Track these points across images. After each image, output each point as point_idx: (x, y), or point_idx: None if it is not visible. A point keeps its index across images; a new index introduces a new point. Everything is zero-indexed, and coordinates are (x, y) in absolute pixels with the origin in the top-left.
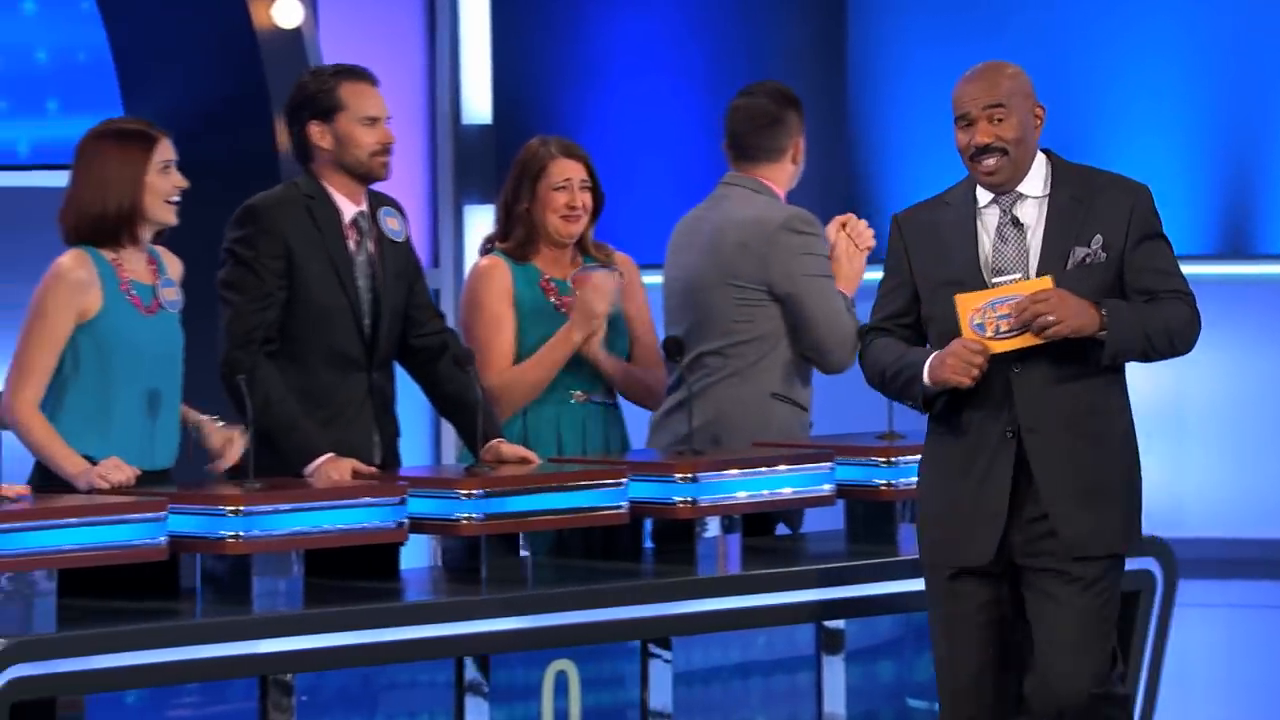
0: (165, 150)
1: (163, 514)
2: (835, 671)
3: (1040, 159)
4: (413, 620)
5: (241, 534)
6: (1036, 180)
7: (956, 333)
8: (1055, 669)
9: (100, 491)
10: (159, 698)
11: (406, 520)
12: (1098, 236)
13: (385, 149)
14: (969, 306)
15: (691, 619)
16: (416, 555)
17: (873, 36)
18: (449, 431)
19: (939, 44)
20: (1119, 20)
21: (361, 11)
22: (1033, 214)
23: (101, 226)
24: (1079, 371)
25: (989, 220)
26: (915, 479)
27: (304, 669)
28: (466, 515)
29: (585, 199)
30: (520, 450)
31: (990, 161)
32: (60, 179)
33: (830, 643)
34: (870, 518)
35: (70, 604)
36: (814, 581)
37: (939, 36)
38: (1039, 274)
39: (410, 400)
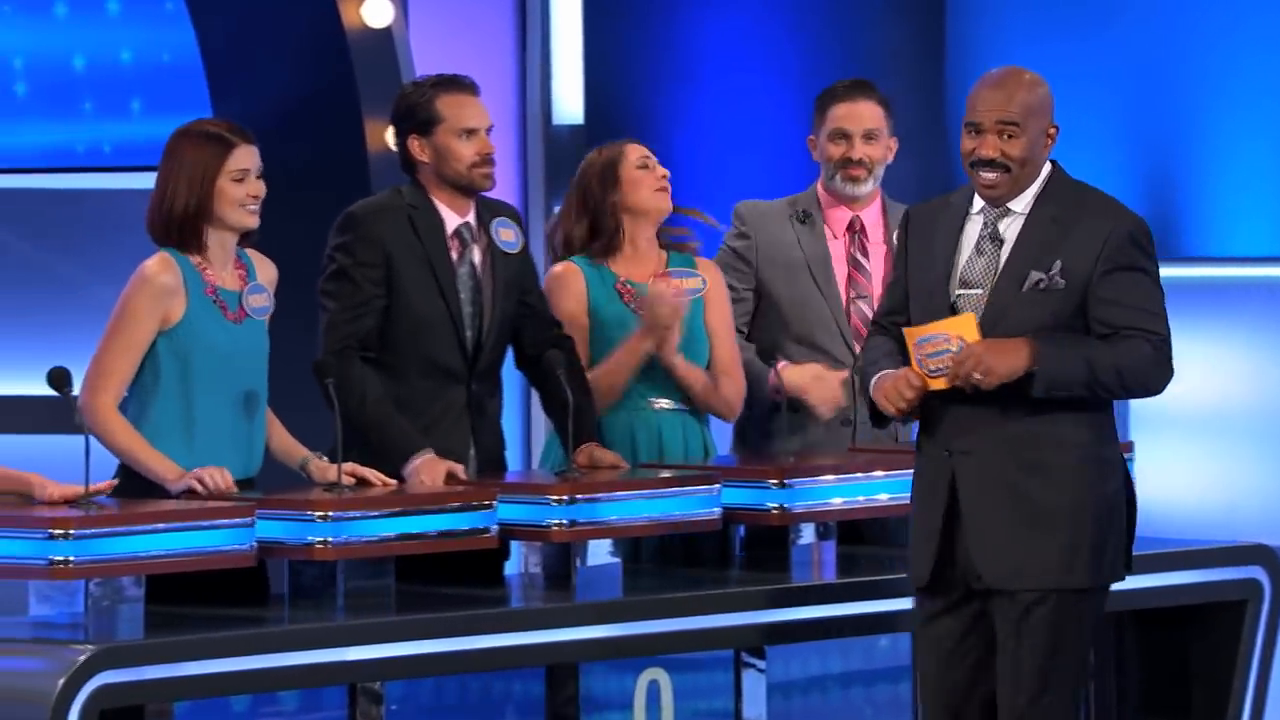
0: (242, 158)
1: (251, 519)
2: None
3: (1044, 172)
4: (503, 628)
5: (330, 539)
6: (1029, 195)
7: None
8: (1003, 699)
9: (189, 496)
10: (247, 705)
11: (496, 526)
12: (1057, 262)
13: (484, 160)
14: (910, 341)
15: (786, 627)
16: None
17: (972, 34)
18: (540, 437)
19: (1041, 41)
20: (1231, 17)
21: (452, 10)
22: (1013, 230)
23: (171, 227)
24: (1024, 398)
25: (972, 230)
26: None
27: (393, 676)
28: (557, 521)
29: (666, 172)
30: (612, 455)
31: (991, 175)
32: (144, 180)
33: None
34: None
35: (158, 610)
36: (911, 589)
37: (1041, 34)
38: (995, 292)
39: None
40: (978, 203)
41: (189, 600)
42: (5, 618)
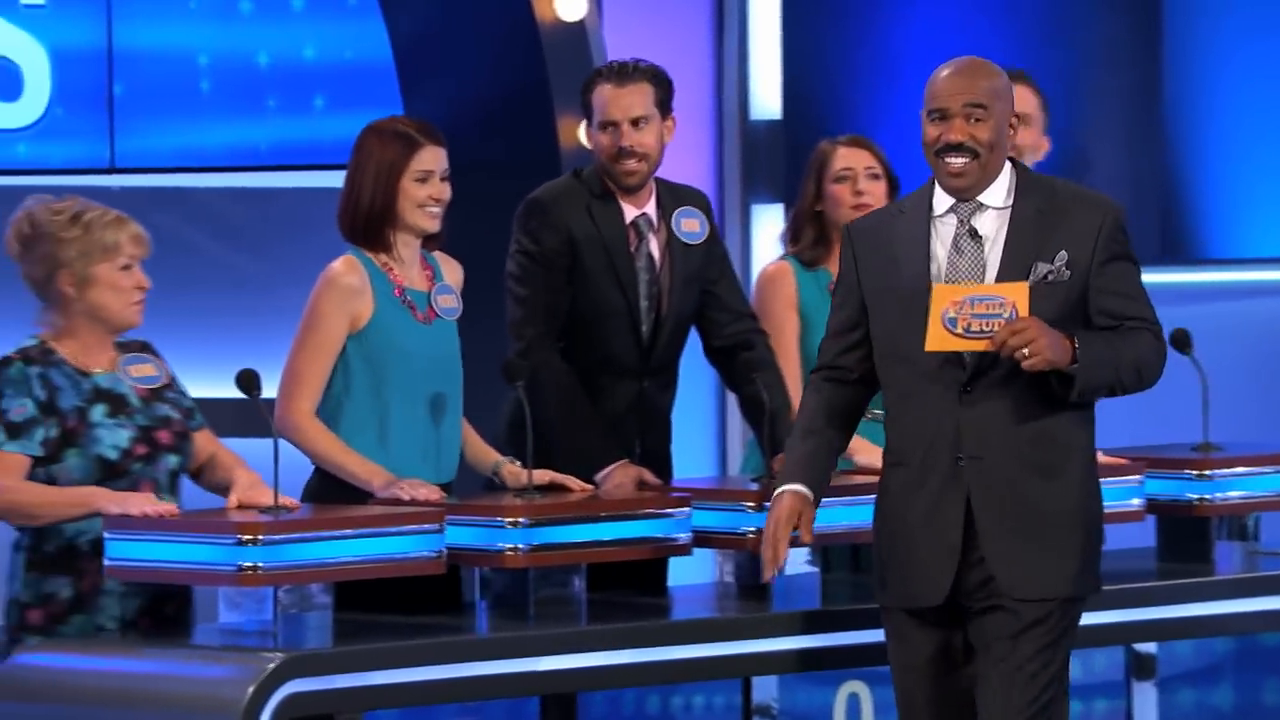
0: (427, 159)
1: (440, 526)
2: (1147, 698)
3: (1006, 168)
4: (699, 638)
5: (520, 546)
6: (1000, 190)
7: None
8: (986, 712)
9: (381, 502)
10: (437, 715)
11: (689, 534)
12: (1062, 253)
13: (618, 155)
14: (947, 298)
15: None
16: (702, 569)
17: (1191, 31)
18: (735, 441)
19: (1263, 39)
20: None
21: (646, 2)
22: (992, 225)
23: (358, 224)
24: (1036, 398)
25: (944, 230)
26: (1233, 494)
27: (586, 687)
28: (751, 529)
29: (873, 187)
30: None
31: (959, 162)
32: (329, 179)
33: (1141, 667)
34: (1183, 535)
35: (347, 618)
36: (1122, 602)
37: (1261, 30)
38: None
39: (695, 408)
40: (942, 203)
41: (378, 607)
42: (196, 624)
